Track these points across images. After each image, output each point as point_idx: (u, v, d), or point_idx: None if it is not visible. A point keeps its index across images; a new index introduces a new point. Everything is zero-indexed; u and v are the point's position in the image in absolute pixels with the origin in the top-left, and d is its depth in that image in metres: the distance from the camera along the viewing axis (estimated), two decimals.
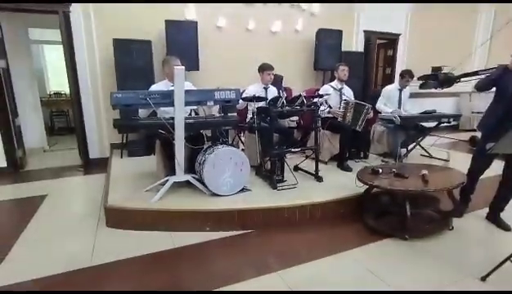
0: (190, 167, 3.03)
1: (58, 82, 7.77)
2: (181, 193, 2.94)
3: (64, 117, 7.54)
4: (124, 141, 4.42)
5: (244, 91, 3.92)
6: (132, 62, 4.07)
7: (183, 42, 4.36)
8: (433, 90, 6.48)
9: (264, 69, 3.68)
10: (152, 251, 2.32)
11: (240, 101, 3.25)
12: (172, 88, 2.60)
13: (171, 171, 2.99)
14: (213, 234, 2.55)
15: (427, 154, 4.31)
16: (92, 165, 4.54)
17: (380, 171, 2.68)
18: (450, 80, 6.34)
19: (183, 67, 2.46)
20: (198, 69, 4.57)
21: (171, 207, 2.65)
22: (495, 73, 2.53)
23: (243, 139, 4.28)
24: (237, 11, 5.07)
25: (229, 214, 2.64)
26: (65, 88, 7.23)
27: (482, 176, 2.78)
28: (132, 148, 4.39)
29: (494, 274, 1.94)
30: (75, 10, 4.20)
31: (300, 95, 3.15)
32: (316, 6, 5.60)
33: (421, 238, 2.47)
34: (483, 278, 1.96)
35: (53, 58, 7.66)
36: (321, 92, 3.87)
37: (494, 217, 2.72)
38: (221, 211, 2.64)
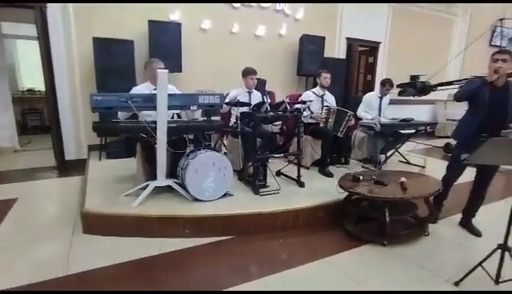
0: (172, 172, 2.98)
1: (32, 79, 7.44)
2: (162, 198, 2.88)
3: (37, 115, 7.22)
4: (103, 143, 4.29)
5: (227, 94, 3.91)
6: (112, 62, 3.95)
7: (167, 44, 4.29)
8: (411, 97, 6.74)
9: (247, 73, 3.69)
10: (131, 259, 2.25)
11: (224, 105, 3.23)
12: (154, 92, 2.55)
13: (152, 175, 2.92)
14: (195, 240, 2.52)
15: (405, 161, 4.46)
16: (68, 167, 4.37)
17: (361, 178, 2.74)
18: (426, 88, 6.60)
19: (167, 70, 2.42)
20: (181, 71, 4.51)
21: (152, 213, 2.59)
22: (474, 86, 2.51)
23: (225, 142, 4.26)
24: (222, 13, 5.05)
25: (211, 220, 2.62)
26: (39, 85, 6.92)
27: (456, 183, 2.88)
28: (112, 149, 4.27)
29: (467, 279, 2.02)
30: (53, 5, 4.03)
31: (283, 102, 3.17)
32: (300, 12, 5.67)
33: (399, 243, 2.55)
34: (457, 283, 2.04)
35: (27, 53, 7.32)
36: (303, 98, 3.92)
37: (466, 223, 2.84)
38: (203, 217, 2.61)
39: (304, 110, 3.44)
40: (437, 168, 3.81)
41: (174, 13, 4.68)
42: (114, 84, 3.89)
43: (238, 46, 5.27)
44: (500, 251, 1.97)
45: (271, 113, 3.12)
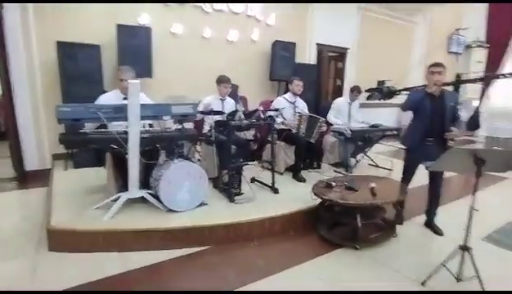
0: (145, 182, 2.91)
1: None
2: (135, 210, 2.80)
3: None
4: (70, 151, 4.06)
5: (199, 102, 3.87)
6: (78, 67, 3.77)
7: (136, 48, 4.17)
8: (377, 101, 7.06)
9: (221, 81, 3.68)
10: (103, 277, 2.17)
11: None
12: (125, 102, 2.47)
13: (124, 186, 2.83)
14: (170, 253, 2.47)
15: (373, 164, 4.65)
16: (29, 178, 4.11)
17: (334, 184, 2.83)
18: (391, 93, 6.97)
19: (138, 81, 2.36)
20: (151, 77, 4.40)
21: (124, 227, 2.51)
22: (417, 98, 2.80)
23: (199, 149, 4.21)
24: (193, 17, 5.00)
25: (186, 231, 2.58)
26: None
27: (418, 186, 3.09)
28: (79, 159, 4.07)
29: (432, 278, 2.15)
30: (10, 5, 3.78)
31: (257, 110, 3.20)
32: (272, 18, 5.74)
33: (370, 246, 2.66)
34: (423, 283, 2.17)
35: None
36: (274, 105, 3.98)
37: (430, 223, 3.03)
38: (178, 229, 2.57)
39: (277, 117, 3.49)
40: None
41: (143, 17, 4.56)
42: (80, 91, 3.75)
43: (210, 51, 5.24)
44: (460, 251, 2.12)
45: (245, 122, 3.14)
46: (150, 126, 2.97)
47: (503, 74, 5.41)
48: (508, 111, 8.03)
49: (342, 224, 2.87)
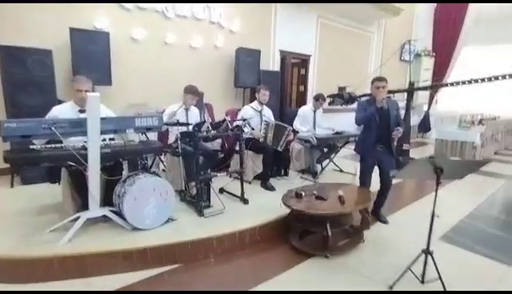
0: (106, 199, 2.72)
1: None
2: (96, 230, 2.60)
3: None
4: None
5: (163, 111, 3.73)
6: (26, 74, 3.42)
7: (92, 54, 3.91)
8: (339, 106, 7.32)
9: (189, 91, 3.56)
10: None
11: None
12: (83, 115, 2.29)
13: (82, 204, 2.63)
14: (138, 274, 2.33)
15: (338, 169, 4.80)
16: None
17: (303, 193, 2.85)
18: (352, 98, 7.27)
19: (97, 94, 2.19)
20: (110, 84, 4.15)
21: (85, 250, 2.31)
22: (368, 114, 3.06)
23: (163, 159, 4.06)
24: (154, 22, 4.81)
25: (154, 250, 2.44)
26: None
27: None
28: (28, 174, 3.70)
29: (399, 281, 2.24)
30: None
31: (225, 120, 3.15)
32: (235, 24, 5.72)
33: (340, 253, 2.71)
34: (391, 286, 2.25)
35: None
36: (242, 114, 3.96)
37: (376, 213, 3.37)
38: (145, 249, 2.42)
39: (245, 126, 3.46)
40: None
41: (99, 21, 4.29)
42: (28, 99, 3.44)
43: (173, 57, 5.08)
44: (423, 255, 2.23)
45: (213, 132, 3.07)
46: (111, 139, 2.79)
47: (451, 83, 5.87)
48: (454, 115, 8.76)
49: (312, 233, 2.90)
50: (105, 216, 2.61)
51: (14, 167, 2.44)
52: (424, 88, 7.41)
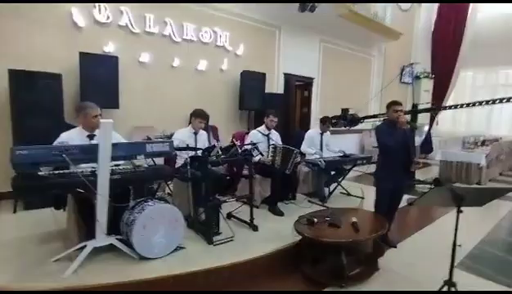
0: (113, 226, 2.63)
1: None
2: (101, 259, 2.49)
3: None
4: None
5: (171, 134, 3.71)
6: (35, 98, 3.40)
7: (101, 78, 3.92)
8: (342, 128, 7.32)
9: (198, 115, 3.54)
10: None
11: None
12: (94, 141, 2.25)
13: (88, 233, 2.53)
14: None
15: (345, 192, 4.73)
16: None
17: (315, 220, 2.78)
18: (355, 120, 7.28)
19: (111, 121, 2.16)
20: (118, 108, 4.15)
21: (91, 282, 2.20)
22: (391, 140, 3.01)
23: (169, 184, 3.98)
24: (161, 47, 4.88)
25: (164, 281, 2.33)
26: None
27: None
28: (31, 199, 3.60)
29: None
30: None
31: (234, 144, 3.11)
32: (240, 48, 5.81)
33: (356, 283, 2.60)
34: None
35: None
36: (250, 138, 3.94)
37: (385, 238, 3.22)
38: (154, 280, 2.31)
39: (253, 151, 3.42)
40: (372, 197, 4.18)
41: (109, 45, 4.35)
42: (36, 122, 3.39)
43: (179, 80, 5.12)
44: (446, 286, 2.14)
45: (223, 157, 3.02)
46: (116, 165, 2.73)
47: (454, 106, 5.92)
48: (456, 136, 8.79)
49: (325, 262, 2.80)
50: (110, 244, 2.52)
51: (22, 195, 2.36)
52: (427, 110, 7.45)
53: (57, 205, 3.00)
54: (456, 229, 2.08)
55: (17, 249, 2.65)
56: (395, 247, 3.26)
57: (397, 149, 3.03)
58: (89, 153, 2.17)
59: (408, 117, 3.70)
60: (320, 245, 2.69)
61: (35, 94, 3.42)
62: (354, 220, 2.74)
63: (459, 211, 2.04)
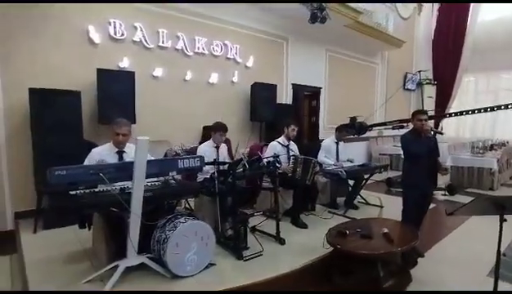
0: (141, 245, 2.58)
1: None
2: (133, 279, 2.43)
3: None
4: (39, 207, 3.50)
5: (190, 148, 3.70)
6: (54, 115, 3.36)
7: (118, 93, 3.91)
8: (351, 136, 7.33)
9: (218, 129, 3.53)
10: None
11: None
12: (128, 159, 2.22)
13: (118, 252, 2.48)
14: None
15: (364, 201, 4.70)
16: None
17: (347, 232, 2.74)
18: (363, 128, 7.28)
19: (147, 138, 2.14)
20: (135, 122, 4.11)
21: None
22: (418, 150, 3.05)
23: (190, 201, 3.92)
24: (174, 61, 4.91)
25: None
26: None
27: None
28: (49, 217, 3.52)
29: None
30: None
31: (260, 157, 3.09)
32: (250, 60, 5.85)
33: None
34: None
35: None
36: (270, 149, 3.92)
37: None
38: None
39: (277, 162, 3.39)
40: (390, 205, 4.36)
41: (123, 61, 4.36)
42: (57, 141, 3.35)
43: (191, 93, 5.14)
44: None
45: (248, 171, 3.00)
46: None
47: (460, 112, 6.00)
48: (462, 141, 8.82)
49: (358, 273, 2.75)
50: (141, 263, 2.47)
51: (58, 216, 2.32)
52: (435, 117, 7.51)
53: (82, 224, 2.96)
54: (500, 239, 2.05)
55: (45, 271, 2.58)
56: (423, 256, 3.21)
57: (423, 157, 3.06)
58: (124, 170, 2.15)
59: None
60: (353, 257, 2.65)
61: (55, 112, 3.39)
62: (386, 230, 2.71)
63: (502, 220, 2.02)
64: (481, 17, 9.49)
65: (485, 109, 5.76)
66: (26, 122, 3.54)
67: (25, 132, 3.57)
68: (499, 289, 2.47)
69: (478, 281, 2.36)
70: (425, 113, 3.14)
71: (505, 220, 2.02)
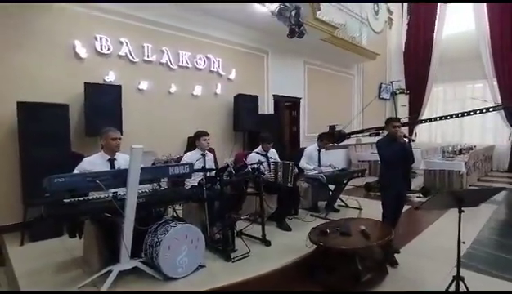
0: (133, 249, 2.68)
1: None
2: (125, 283, 2.53)
3: None
4: (26, 220, 3.52)
5: (177, 158, 3.83)
6: (43, 129, 3.44)
7: (105, 106, 4.02)
8: (330, 144, 7.63)
9: (200, 135, 3.71)
10: None
11: None
12: (119, 166, 2.35)
13: (110, 258, 2.58)
14: None
15: (344, 204, 4.96)
16: None
17: (328, 231, 2.96)
18: (343, 136, 7.62)
19: (142, 146, 2.29)
20: (121, 134, 4.21)
21: None
22: (392, 155, 3.30)
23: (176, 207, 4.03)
24: (158, 74, 5.07)
25: None
26: None
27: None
28: (36, 230, 3.54)
29: None
30: None
31: (245, 164, 3.28)
32: (232, 73, 6.09)
33: (368, 288, 2.77)
34: None
35: None
36: (249, 161, 4.11)
37: None
38: None
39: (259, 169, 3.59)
40: (368, 207, 4.59)
41: (109, 75, 4.48)
42: (44, 153, 3.41)
43: (176, 105, 5.30)
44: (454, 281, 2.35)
45: (234, 177, 3.18)
46: None
47: (430, 119, 6.46)
48: (433, 146, 9.35)
49: (338, 269, 2.95)
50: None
51: (55, 222, 2.39)
52: (407, 124, 7.98)
53: (73, 233, 3.03)
54: (460, 228, 2.31)
55: (37, 280, 2.63)
56: (399, 252, 3.45)
57: (397, 161, 3.32)
58: (120, 177, 2.28)
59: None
60: (334, 253, 2.86)
61: (43, 125, 3.47)
62: (363, 228, 2.94)
63: (460, 212, 2.29)
64: (446, 31, 10.23)
65: (451, 116, 6.25)
66: (13, 135, 3.59)
67: (11, 145, 3.62)
68: (474, 280, 2.74)
69: (447, 271, 2.60)
70: (399, 120, 3.42)
71: (463, 212, 2.29)
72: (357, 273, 2.71)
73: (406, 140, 3.45)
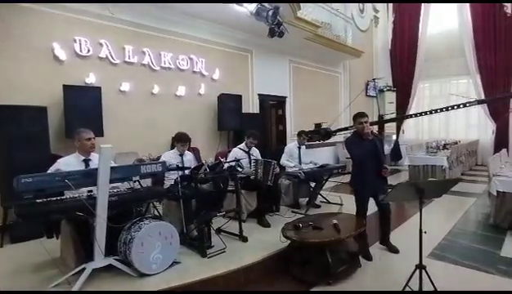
0: (109, 248, 2.73)
1: None
2: (100, 281, 2.57)
3: None
4: (5, 222, 3.56)
5: (157, 157, 3.88)
6: (21, 131, 3.48)
7: (85, 108, 4.06)
8: (317, 141, 7.75)
9: (178, 140, 3.75)
10: None
11: None
12: (95, 167, 2.40)
13: (86, 256, 2.63)
14: None
15: (325, 200, 5.04)
16: None
17: (301, 225, 3.03)
18: (329, 134, 7.72)
19: (110, 145, 2.34)
20: (103, 136, 4.27)
21: None
22: (360, 153, 3.21)
23: (157, 205, 4.09)
24: (140, 75, 5.11)
25: None
26: None
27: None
28: (16, 231, 3.58)
29: None
30: None
31: (220, 161, 3.34)
32: (216, 73, 6.15)
33: (341, 280, 2.85)
34: None
35: None
36: (232, 155, 4.18)
37: (385, 243, 3.45)
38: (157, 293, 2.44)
39: (238, 167, 3.66)
40: (351, 203, 4.50)
41: (89, 77, 4.51)
42: (23, 155, 3.45)
43: (159, 106, 5.34)
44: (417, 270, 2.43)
45: (210, 174, 3.24)
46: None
47: (415, 114, 6.55)
48: (420, 143, 9.49)
49: (312, 262, 3.03)
50: (108, 265, 2.62)
51: (23, 221, 2.41)
52: (393, 120, 8.10)
53: (50, 233, 3.08)
54: (421, 218, 2.40)
55: (14, 281, 2.66)
56: (397, 252, 3.38)
57: (367, 159, 3.20)
58: (89, 176, 2.33)
59: (376, 127, 3.95)
60: (306, 247, 2.94)
61: (21, 127, 3.50)
62: (335, 221, 3.02)
63: (421, 202, 2.38)
64: (431, 30, 10.39)
65: (435, 110, 6.33)
66: None
67: None
68: (434, 266, 2.84)
69: (416, 261, 2.69)
70: (366, 115, 3.24)
71: (424, 202, 2.38)
72: (327, 265, 2.78)
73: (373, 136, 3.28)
